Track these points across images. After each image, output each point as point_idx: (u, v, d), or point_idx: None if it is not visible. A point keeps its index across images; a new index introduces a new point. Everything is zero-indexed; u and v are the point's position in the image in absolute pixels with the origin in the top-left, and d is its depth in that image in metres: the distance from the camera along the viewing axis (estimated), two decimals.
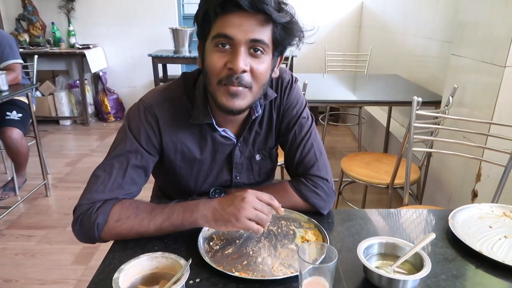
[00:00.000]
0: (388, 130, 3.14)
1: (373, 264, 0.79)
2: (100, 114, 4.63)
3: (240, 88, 0.85)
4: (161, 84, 1.00)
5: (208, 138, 0.98)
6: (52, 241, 2.29)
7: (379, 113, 3.59)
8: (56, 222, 2.49)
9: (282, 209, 0.87)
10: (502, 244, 0.87)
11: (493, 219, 0.97)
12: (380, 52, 3.73)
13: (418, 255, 0.76)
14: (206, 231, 0.89)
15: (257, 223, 0.81)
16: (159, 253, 0.72)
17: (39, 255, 2.16)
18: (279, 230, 0.92)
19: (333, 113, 4.36)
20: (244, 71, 0.83)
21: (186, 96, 0.96)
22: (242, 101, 0.87)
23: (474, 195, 1.80)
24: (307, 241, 0.87)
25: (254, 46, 0.83)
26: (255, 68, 0.84)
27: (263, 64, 0.86)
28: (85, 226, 0.86)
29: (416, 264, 0.76)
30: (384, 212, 1.04)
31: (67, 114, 4.46)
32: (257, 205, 0.82)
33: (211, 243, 0.87)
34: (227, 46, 0.83)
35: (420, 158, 2.10)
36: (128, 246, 0.86)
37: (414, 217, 1.01)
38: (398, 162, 1.79)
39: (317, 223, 0.92)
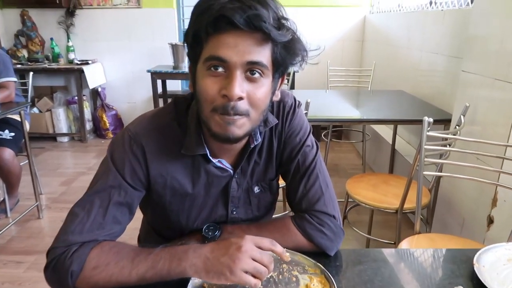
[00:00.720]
0: (394, 147, 3.03)
1: None
2: (99, 131, 4.54)
3: (236, 117, 0.75)
4: (151, 110, 0.90)
5: (201, 171, 0.88)
6: (42, 268, 2.16)
7: (384, 130, 3.49)
8: (47, 247, 2.33)
9: (287, 253, 0.76)
10: None
11: None
12: (384, 67, 3.64)
13: None
14: (195, 280, 0.78)
15: (255, 276, 0.70)
16: None
17: (27, 283, 2.04)
18: (280, 276, 0.81)
19: (336, 129, 4.26)
20: (241, 98, 0.73)
21: (178, 124, 0.86)
22: (239, 129, 0.76)
23: (490, 221, 1.68)
24: None
25: (251, 69, 0.73)
26: (252, 94, 0.74)
27: (262, 89, 0.76)
28: (58, 273, 0.75)
29: None
30: (399, 253, 0.92)
31: (64, 130, 4.37)
32: (255, 254, 0.71)
33: None
34: (221, 69, 0.73)
35: (430, 180, 1.99)
36: None
37: (433, 259, 0.90)
38: (408, 186, 1.68)
39: (324, 269, 0.80)
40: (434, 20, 2.67)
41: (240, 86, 0.72)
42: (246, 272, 0.69)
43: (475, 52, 1.80)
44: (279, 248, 0.74)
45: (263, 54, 0.73)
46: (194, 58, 0.78)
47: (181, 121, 0.86)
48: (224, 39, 0.71)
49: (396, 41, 3.40)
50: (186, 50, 0.80)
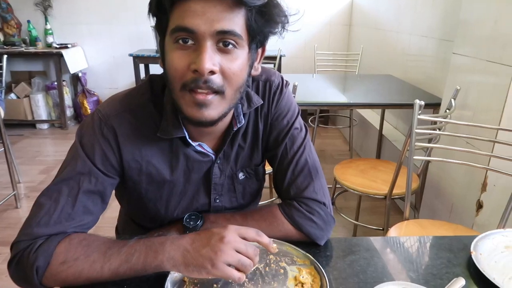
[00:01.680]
0: (381, 133, 2.99)
1: None
2: (80, 117, 4.40)
3: (210, 97, 0.67)
4: (124, 90, 0.82)
5: (180, 155, 0.81)
6: None
7: (371, 115, 3.45)
8: None
9: (275, 245, 0.70)
10: None
11: None
12: (372, 51, 3.59)
13: None
14: (175, 274, 0.72)
15: (239, 270, 0.64)
16: None
17: (3, 276, 1.96)
18: (267, 268, 0.75)
19: (323, 114, 4.21)
20: (213, 72, 0.66)
21: (153, 104, 0.78)
22: (214, 110, 0.69)
23: (479, 206, 1.66)
24: (302, 283, 0.71)
25: (223, 39, 0.65)
26: (226, 67, 0.67)
27: (237, 61, 0.68)
28: (22, 270, 0.68)
29: None
30: (391, 241, 0.88)
31: (44, 117, 4.22)
32: (239, 246, 0.64)
33: None
34: (190, 42, 0.65)
35: (419, 165, 1.95)
36: None
37: (428, 247, 0.85)
38: (397, 171, 1.64)
39: (313, 259, 0.75)
40: (424, 2, 2.61)
41: (211, 59, 0.65)
42: (229, 265, 0.63)
43: (467, 35, 1.75)
44: (265, 239, 0.68)
45: (236, 22, 0.65)
46: (161, 30, 0.70)
47: (157, 102, 0.78)
48: (190, 6, 0.63)
49: (384, 24, 3.34)
50: (153, 23, 0.72)
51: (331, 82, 2.84)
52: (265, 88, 0.86)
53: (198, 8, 0.63)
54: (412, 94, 2.37)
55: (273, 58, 3.35)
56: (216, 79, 0.67)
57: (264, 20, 0.67)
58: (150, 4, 0.68)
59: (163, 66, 0.72)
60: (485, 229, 0.86)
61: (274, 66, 3.39)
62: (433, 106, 2.12)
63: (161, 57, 0.73)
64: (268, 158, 0.92)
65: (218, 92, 0.68)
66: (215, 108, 0.69)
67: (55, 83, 4.13)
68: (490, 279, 0.71)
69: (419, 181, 1.87)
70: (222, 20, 0.64)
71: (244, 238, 0.66)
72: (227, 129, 0.82)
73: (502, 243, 0.84)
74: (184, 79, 0.67)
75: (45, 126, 4.29)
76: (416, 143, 1.44)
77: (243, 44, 0.68)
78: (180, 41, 0.65)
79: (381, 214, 2.55)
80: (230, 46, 0.66)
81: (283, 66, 3.92)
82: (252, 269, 0.71)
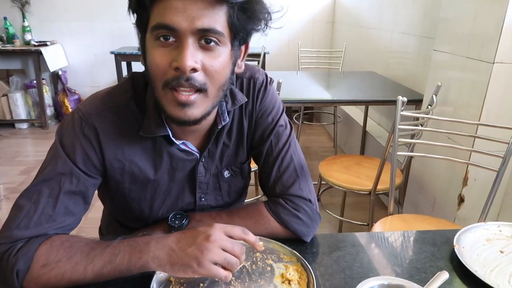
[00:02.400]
0: (365, 129, 3.02)
1: None
2: (61, 116, 4.31)
3: (192, 97, 0.67)
4: (105, 88, 0.80)
5: (164, 154, 0.79)
6: None
7: (355, 112, 3.48)
8: None
9: (261, 243, 0.70)
10: None
11: (503, 241, 0.84)
12: (355, 48, 3.62)
13: None
14: (161, 274, 0.71)
15: (225, 268, 0.63)
16: None
17: None
18: (254, 266, 0.75)
19: (307, 111, 4.23)
20: (195, 70, 0.65)
21: (135, 102, 0.77)
22: (197, 109, 0.68)
23: (461, 200, 1.69)
24: (288, 280, 0.71)
25: (205, 37, 0.64)
26: (208, 64, 0.66)
27: (219, 59, 0.67)
28: (2, 274, 0.66)
29: None
30: (376, 236, 0.88)
31: (23, 116, 4.12)
32: (226, 244, 0.64)
33: None
34: (171, 39, 0.64)
35: (402, 161, 1.98)
36: None
37: (413, 241, 0.86)
38: (381, 167, 1.66)
39: (300, 256, 0.75)
40: (405, 0, 2.64)
41: (193, 56, 0.64)
42: (216, 264, 0.63)
43: (447, 32, 1.78)
44: (251, 237, 0.68)
45: (217, 19, 0.64)
46: (141, 27, 0.69)
47: (139, 100, 0.77)
48: (171, 3, 0.62)
49: (367, 22, 3.37)
50: (133, 19, 0.70)
51: (315, 79, 2.85)
52: (249, 86, 0.85)
53: (179, 5, 0.62)
54: (394, 91, 2.40)
55: (257, 55, 3.34)
56: (198, 77, 0.66)
57: (247, 17, 0.67)
58: (129, 0, 0.67)
59: (144, 63, 0.71)
60: (467, 223, 0.88)
61: (258, 63, 3.39)
62: (415, 102, 2.15)
63: (142, 54, 0.71)
64: (254, 156, 0.91)
65: (201, 90, 0.67)
66: (198, 107, 0.68)
67: (35, 81, 4.03)
68: (473, 271, 0.72)
69: (403, 176, 1.89)
70: (203, 17, 0.63)
71: (230, 236, 0.66)
72: (211, 127, 0.81)
73: (484, 236, 0.85)
74: (165, 77, 0.66)
75: (24, 125, 4.19)
76: (399, 139, 1.46)
77: (225, 41, 0.67)
78: (161, 38, 0.64)
79: (365, 209, 2.57)
80: (212, 43, 0.65)
81: (267, 63, 3.92)
82: (239, 267, 0.71)
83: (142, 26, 0.68)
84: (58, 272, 0.66)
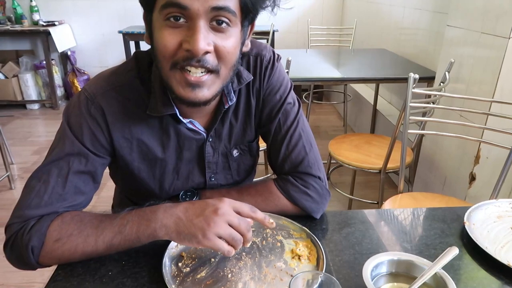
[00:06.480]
0: (376, 108, 2.99)
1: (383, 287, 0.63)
2: (71, 97, 4.33)
3: (204, 78, 0.66)
4: (109, 68, 0.80)
5: (171, 132, 0.79)
6: None
7: (366, 90, 3.44)
8: None
9: (272, 220, 0.70)
10: None
11: None
12: (366, 25, 3.54)
13: (438, 275, 0.61)
14: (172, 249, 0.72)
15: (229, 243, 0.64)
16: None
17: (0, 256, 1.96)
18: (264, 242, 0.76)
19: (317, 90, 4.19)
20: (207, 52, 0.64)
21: (140, 81, 0.76)
22: (208, 90, 0.68)
23: (472, 178, 1.68)
24: (298, 256, 0.71)
25: (217, 17, 0.63)
26: (220, 46, 0.65)
27: (231, 40, 0.66)
28: (17, 251, 0.68)
29: (435, 287, 0.61)
30: (386, 213, 0.88)
31: (34, 97, 4.15)
32: (232, 220, 0.64)
33: (179, 264, 0.70)
34: (182, 20, 0.63)
35: (413, 139, 1.96)
36: (75, 273, 0.68)
37: (422, 218, 0.86)
38: (391, 146, 1.64)
39: (310, 232, 0.76)
40: None
41: (205, 39, 0.63)
42: (220, 238, 0.63)
43: (461, 7, 1.73)
44: (259, 215, 0.68)
45: None
46: (148, 5, 0.66)
47: (144, 79, 0.76)
48: None
49: None
50: None
51: (324, 57, 2.81)
52: (256, 63, 0.84)
53: None
54: (406, 68, 2.35)
55: (266, 33, 3.30)
56: (210, 58, 0.65)
57: None
58: None
59: (150, 42, 0.70)
60: (478, 201, 0.87)
61: (267, 41, 3.34)
62: (427, 79, 2.11)
63: (148, 32, 0.70)
64: (262, 134, 0.91)
65: (213, 71, 0.66)
66: (209, 88, 0.68)
67: (44, 62, 4.04)
68: (483, 247, 0.72)
69: (413, 155, 1.88)
70: None
71: (238, 213, 0.66)
72: (217, 106, 0.81)
73: (495, 213, 0.85)
74: (174, 58, 0.65)
75: (35, 106, 4.23)
76: (410, 117, 1.44)
77: (236, 22, 0.66)
78: (172, 19, 0.63)
79: (375, 188, 2.57)
80: (224, 24, 0.64)
81: (276, 41, 3.86)
82: (249, 244, 0.71)
83: (148, 3, 0.66)
84: (71, 246, 0.67)
